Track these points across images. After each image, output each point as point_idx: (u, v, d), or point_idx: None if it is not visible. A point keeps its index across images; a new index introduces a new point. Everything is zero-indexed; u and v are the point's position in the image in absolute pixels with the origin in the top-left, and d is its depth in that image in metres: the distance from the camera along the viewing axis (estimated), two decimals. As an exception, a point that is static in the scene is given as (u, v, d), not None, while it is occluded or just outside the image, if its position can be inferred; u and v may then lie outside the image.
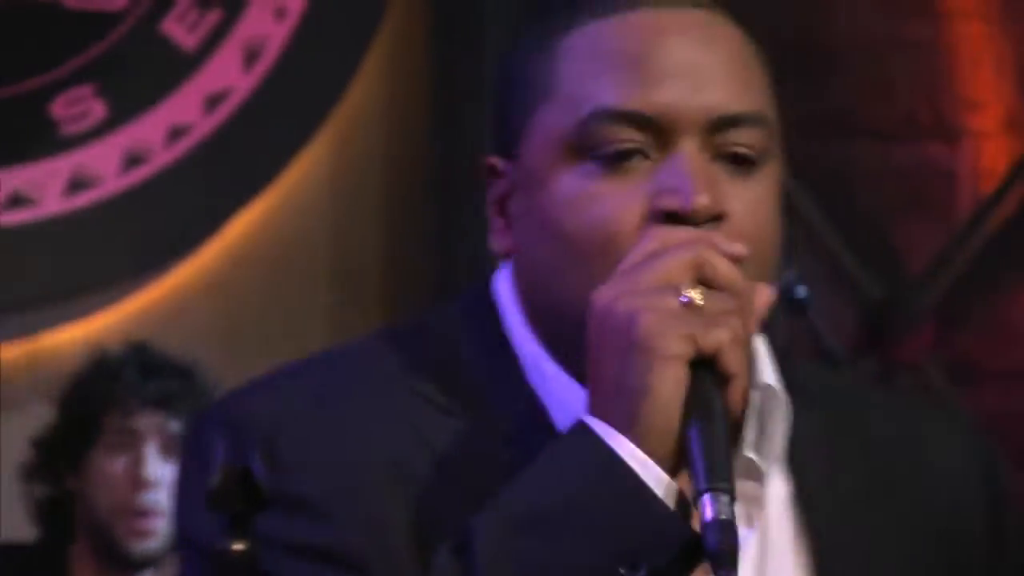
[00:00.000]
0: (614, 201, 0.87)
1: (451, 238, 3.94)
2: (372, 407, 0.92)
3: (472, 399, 0.93)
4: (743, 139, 0.87)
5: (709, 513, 0.72)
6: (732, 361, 0.78)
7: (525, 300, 0.96)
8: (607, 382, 0.82)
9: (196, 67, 3.64)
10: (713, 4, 0.96)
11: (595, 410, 0.81)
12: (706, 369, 0.78)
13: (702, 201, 0.83)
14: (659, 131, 0.87)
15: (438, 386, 0.94)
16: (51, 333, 3.62)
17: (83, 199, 3.62)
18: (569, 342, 0.87)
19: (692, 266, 0.80)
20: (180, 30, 3.63)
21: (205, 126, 3.61)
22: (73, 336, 3.58)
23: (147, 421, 2.82)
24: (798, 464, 0.93)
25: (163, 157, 3.57)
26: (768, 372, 0.88)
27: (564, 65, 0.93)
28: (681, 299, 0.80)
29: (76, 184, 3.62)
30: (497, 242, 0.98)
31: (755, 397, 0.86)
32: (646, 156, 0.87)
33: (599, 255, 0.86)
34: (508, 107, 0.96)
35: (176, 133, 3.60)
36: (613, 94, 0.89)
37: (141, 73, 3.61)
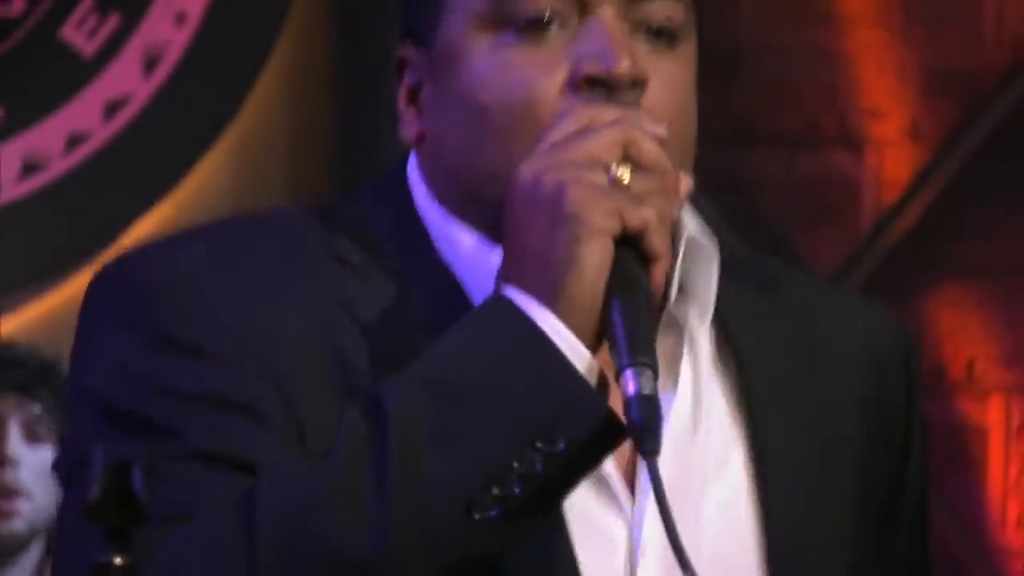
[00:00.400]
0: (532, 70, 0.87)
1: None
2: (289, 263, 0.92)
3: (388, 270, 0.93)
4: (662, 11, 0.87)
5: (632, 388, 0.73)
6: (657, 241, 0.79)
7: (439, 181, 0.96)
8: (530, 255, 0.82)
9: (95, 73, 3.60)
10: None
11: (515, 282, 0.81)
12: (630, 247, 0.79)
13: (624, 65, 0.83)
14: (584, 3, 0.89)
15: (356, 254, 0.94)
16: None
17: None
18: (487, 216, 0.87)
19: (620, 144, 0.81)
20: (79, 36, 3.61)
21: (104, 132, 3.59)
22: None
23: (8, 404, 2.91)
24: (729, 324, 0.95)
25: (61, 164, 3.57)
26: (695, 228, 0.89)
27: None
28: (609, 176, 0.81)
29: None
30: (407, 130, 0.95)
31: (680, 248, 0.86)
32: (564, 24, 0.87)
33: (519, 126, 0.87)
34: None
35: (75, 140, 3.59)
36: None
37: (39, 79, 3.63)
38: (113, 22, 3.60)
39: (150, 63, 3.71)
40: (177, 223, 3.58)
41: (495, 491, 0.79)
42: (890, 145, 3.92)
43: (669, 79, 0.89)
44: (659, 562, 0.88)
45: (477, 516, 0.79)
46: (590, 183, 0.81)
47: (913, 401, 1.07)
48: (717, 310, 0.91)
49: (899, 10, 3.95)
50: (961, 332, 4.11)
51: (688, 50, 0.91)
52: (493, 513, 0.80)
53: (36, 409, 2.92)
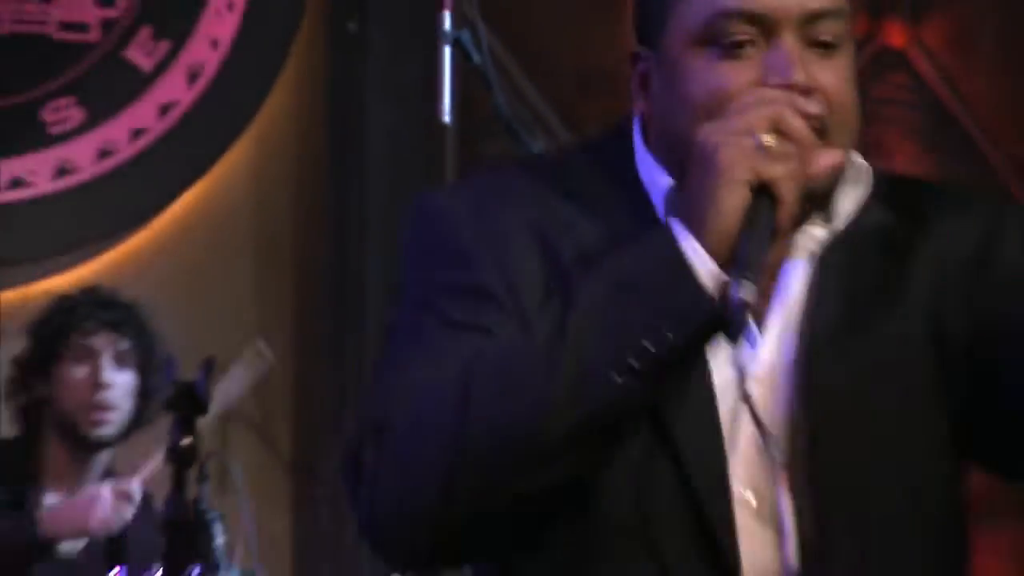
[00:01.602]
0: (730, 77, 1.05)
1: (343, 212, 4.62)
2: (529, 197, 1.15)
3: (604, 198, 1.16)
4: (827, 29, 1.06)
5: (733, 292, 0.91)
6: (785, 190, 0.96)
7: (657, 143, 1.16)
8: (690, 195, 1.02)
9: (151, 84, 4.34)
10: None
11: (680, 214, 1.01)
12: (764, 194, 0.96)
13: (799, 78, 1.01)
14: (765, 25, 1.05)
15: (583, 191, 1.17)
16: (42, 283, 4.33)
17: (66, 183, 4.34)
18: (681, 168, 1.06)
19: (771, 118, 0.98)
20: (140, 56, 4.33)
21: (158, 128, 4.29)
22: (59, 284, 4.19)
23: (102, 339, 3.54)
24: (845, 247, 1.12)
25: (127, 151, 4.29)
26: (859, 168, 1.08)
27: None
28: (755, 140, 0.98)
29: (61, 171, 4.34)
30: (637, 108, 1.17)
31: (847, 167, 1.06)
32: (755, 45, 1.05)
33: (716, 113, 1.04)
34: (649, 9, 1.15)
35: (137, 133, 4.29)
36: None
37: (110, 88, 4.32)
38: (165, 46, 4.31)
39: (192, 76, 4.37)
40: (211, 196, 4.45)
41: (631, 362, 0.99)
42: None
43: (833, 77, 1.06)
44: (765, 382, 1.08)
45: (619, 379, 0.98)
46: (738, 145, 0.99)
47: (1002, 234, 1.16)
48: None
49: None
50: None
51: (848, 52, 1.09)
52: (625, 378, 0.98)
53: (124, 343, 3.54)
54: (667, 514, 1.08)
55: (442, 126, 3.72)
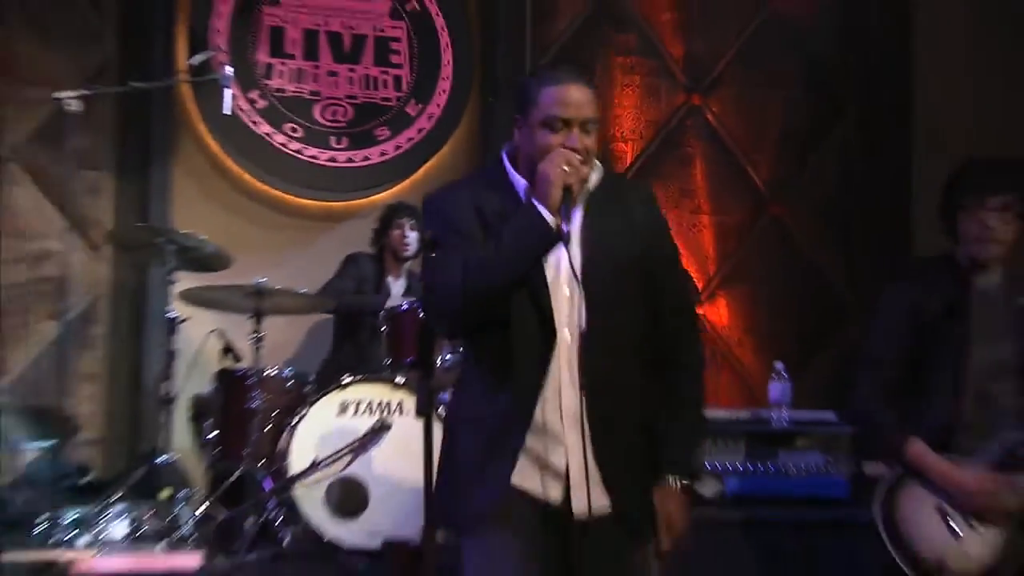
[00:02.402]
0: (551, 141, 2.30)
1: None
2: (476, 189, 2.50)
3: (495, 190, 2.44)
4: (590, 125, 2.32)
5: (562, 226, 2.24)
6: (575, 188, 2.25)
7: (519, 163, 2.41)
8: (539, 189, 2.27)
9: (412, 123, 6.70)
10: (581, 76, 2.43)
11: (535, 197, 2.26)
12: (567, 189, 2.24)
13: (580, 144, 2.27)
14: (567, 122, 2.28)
15: (486, 184, 2.48)
16: (378, 197, 6.55)
17: (382, 160, 6.65)
18: (531, 176, 2.34)
19: (567, 159, 2.24)
20: (410, 109, 6.65)
21: (411, 144, 6.74)
22: (384, 198, 6.46)
23: (403, 222, 5.66)
24: (593, 200, 2.40)
25: (401, 150, 6.69)
26: (597, 172, 2.39)
27: (542, 97, 2.36)
28: (564, 168, 2.23)
29: (381, 154, 6.65)
30: (513, 144, 2.46)
31: (594, 170, 2.39)
32: (562, 129, 2.31)
33: (545, 155, 2.29)
34: (523, 101, 2.39)
35: (407, 141, 6.70)
36: (555, 110, 2.32)
37: (398, 123, 6.64)
38: (419, 107, 6.68)
39: (428, 120, 6.75)
40: (425, 175, 6.72)
41: (525, 252, 2.37)
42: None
43: (590, 142, 2.31)
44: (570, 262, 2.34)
45: (522, 261, 2.33)
46: (558, 169, 2.21)
47: (659, 218, 2.52)
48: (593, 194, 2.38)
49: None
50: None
51: (596, 131, 2.32)
52: (523, 260, 2.35)
53: (417, 224, 5.50)
54: (527, 310, 2.43)
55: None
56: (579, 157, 2.44)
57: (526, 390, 2.47)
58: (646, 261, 2.55)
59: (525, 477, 2.47)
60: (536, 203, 2.40)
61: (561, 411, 2.44)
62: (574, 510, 2.46)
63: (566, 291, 2.50)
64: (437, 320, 2.61)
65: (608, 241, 2.54)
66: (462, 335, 2.71)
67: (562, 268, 2.49)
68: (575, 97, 2.47)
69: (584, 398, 2.40)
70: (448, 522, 2.67)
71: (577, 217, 2.49)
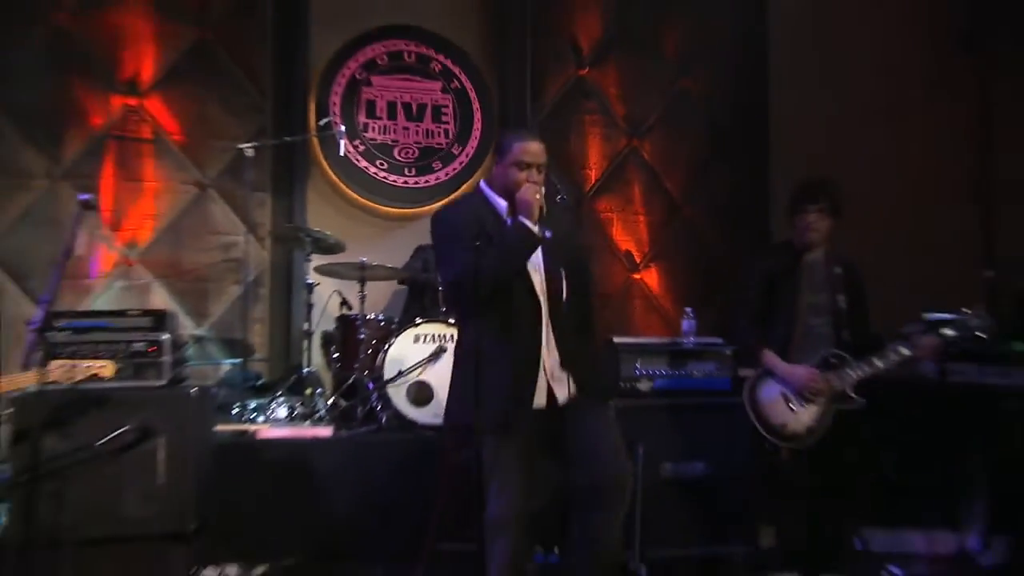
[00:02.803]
0: (520, 177, 3.18)
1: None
2: (471, 206, 3.36)
3: (483, 210, 3.30)
4: (543, 168, 3.19)
5: (541, 233, 3.00)
6: (543, 209, 2.99)
7: (498, 191, 3.29)
8: (521, 211, 3.06)
9: (458, 156, 7.52)
10: (537, 135, 3.33)
11: (521, 216, 3.05)
12: (541, 210, 3.05)
13: (539, 179, 3.14)
14: (529, 165, 3.21)
15: (477, 205, 3.37)
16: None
17: (448, 177, 7.51)
18: (510, 199, 3.16)
19: (536, 189, 3.04)
20: (455, 150, 7.38)
21: (456, 172, 7.58)
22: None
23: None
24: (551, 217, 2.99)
25: (453, 173, 7.52)
26: (551, 195, 2.96)
27: (514, 147, 3.25)
28: (537, 196, 3.10)
29: (451, 170, 7.38)
30: (489, 178, 3.36)
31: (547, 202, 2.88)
32: (528, 168, 3.29)
33: (518, 187, 3.14)
34: (501, 150, 3.29)
35: (452, 170, 7.46)
36: (523, 156, 3.28)
37: (447, 158, 7.41)
38: (460, 148, 7.44)
39: (466, 155, 7.57)
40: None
41: (519, 252, 3.21)
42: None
43: (541, 177, 3.00)
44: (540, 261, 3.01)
45: (517, 256, 3.11)
46: (534, 197, 3.05)
47: (575, 225, 3.30)
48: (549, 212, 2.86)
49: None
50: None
51: (544, 171, 2.97)
52: (517, 257, 3.20)
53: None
54: (521, 286, 3.24)
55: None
56: (541, 188, 2.97)
57: (529, 338, 3.09)
58: (573, 251, 3.24)
59: (526, 393, 3.10)
60: (523, 220, 2.98)
61: (544, 343, 3.10)
62: (558, 399, 3.14)
63: (540, 274, 3.21)
64: (458, 302, 3.19)
65: (555, 241, 3.14)
66: (474, 308, 3.12)
67: (534, 260, 3.12)
68: (535, 148, 3.10)
69: (554, 335, 3.11)
70: (471, 422, 3.10)
71: (548, 227, 3.03)
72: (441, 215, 3.27)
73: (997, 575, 4.59)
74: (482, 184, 3.28)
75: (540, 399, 3.12)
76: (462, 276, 3.02)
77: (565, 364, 3.18)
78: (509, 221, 3.13)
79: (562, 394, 3.19)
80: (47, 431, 4.07)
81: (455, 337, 4.65)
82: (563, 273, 3.20)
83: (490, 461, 3.03)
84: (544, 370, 3.12)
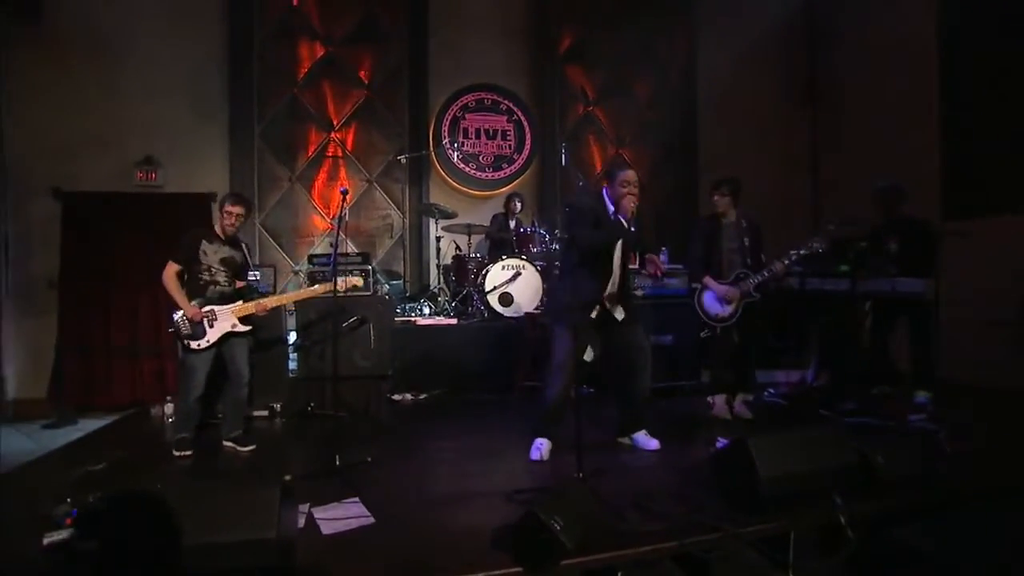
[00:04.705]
0: (623, 191, 3.17)
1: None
2: (593, 203, 3.40)
3: (602, 207, 3.36)
4: (636, 187, 3.14)
5: (631, 228, 2.74)
6: (633, 214, 2.97)
7: (611, 197, 3.34)
8: (622, 213, 3.13)
9: (515, 162, 7.79)
10: (633, 168, 3.38)
11: (620, 215, 3.03)
12: (633, 214, 3.12)
13: (635, 192, 3.03)
14: (628, 183, 3.18)
15: (598, 205, 3.39)
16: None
17: (496, 177, 7.63)
18: (616, 205, 3.20)
19: (634, 201, 3.07)
20: (516, 156, 7.84)
21: (517, 168, 7.81)
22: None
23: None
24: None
25: (507, 175, 7.72)
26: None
27: (619, 174, 3.34)
28: (632, 206, 3.13)
29: (505, 175, 7.73)
30: (608, 189, 3.36)
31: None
32: (628, 187, 3.22)
33: (621, 198, 3.11)
34: (611, 176, 3.23)
35: (508, 172, 7.74)
36: (625, 180, 3.24)
37: (510, 162, 7.80)
38: (516, 156, 7.78)
39: (522, 161, 7.73)
40: (521, 184, 7.77)
41: (611, 239, 3.10)
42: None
43: (637, 194, 2.76)
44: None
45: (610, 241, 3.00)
46: (631, 206, 3.13)
47: (634, 224, 2.88)
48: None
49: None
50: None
51: (639, 191, 2.84)
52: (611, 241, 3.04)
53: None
54: (607, 253, 3.31)
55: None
56: (636, 202, 3.08)
57: (600, 281, 3.19)
58: (638, 241, 3.40)
59: (588, 310, 3.14)
60: (622, 219, 3.05)
61: (609, 287, 3.27)
62: (615, 316, 3.30)
63: (619, 248, 3.36)
64: (584, 252, 3.12)
65: (632, 234, 3.29)
66: (580, 259, 3.19)
67: (618, 243, 3.22)
68: (630, 176, 3.18)
69: (618, 282, 3.26)
70: (552, 315, 3.27)
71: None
72: (576, 203, 3.23)
73: (821, 391, 5.29)
74: (604, 190, 3.35)
75: (594, 314, 3.22)
76: (588, 246, 3.14)
77: (620, 299, 3.35)
78: (613, 217, 3.26)
79: (619, 315, 3.38)
80: (324, 319, 5.13)
81: (526, 267, 5.71)
82: (630, 251, 3.30)
83: (560, 336, 3.29)
84: (604, 300, 3.25)
